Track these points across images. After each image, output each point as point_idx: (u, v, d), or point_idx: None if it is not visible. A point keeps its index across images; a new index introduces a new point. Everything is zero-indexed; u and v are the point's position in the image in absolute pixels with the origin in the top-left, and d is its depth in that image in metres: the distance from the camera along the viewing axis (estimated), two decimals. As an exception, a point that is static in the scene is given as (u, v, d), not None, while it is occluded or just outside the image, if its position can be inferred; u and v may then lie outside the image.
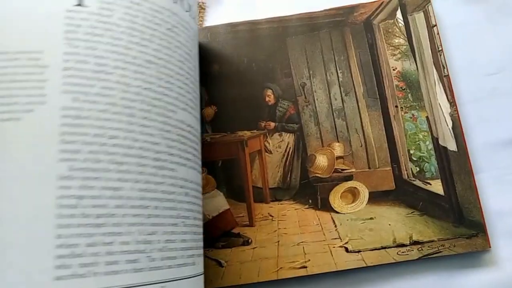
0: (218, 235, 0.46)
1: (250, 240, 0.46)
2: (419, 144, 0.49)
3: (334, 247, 0.45)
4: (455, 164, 0.47)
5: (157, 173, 0.33)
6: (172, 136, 0.35)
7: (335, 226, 0.46)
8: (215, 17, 0.54)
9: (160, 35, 0.35)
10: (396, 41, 0.51)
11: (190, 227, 0.36)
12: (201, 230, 0.39)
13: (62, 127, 0.29)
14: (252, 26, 0.51)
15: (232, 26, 0.51)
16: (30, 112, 0.29)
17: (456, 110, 0.49)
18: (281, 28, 0.52)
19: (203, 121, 0.49)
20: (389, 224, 0.46)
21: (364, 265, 0.44)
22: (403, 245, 0.45)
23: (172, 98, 0.36)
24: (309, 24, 0.52)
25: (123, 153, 0.31)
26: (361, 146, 0.49)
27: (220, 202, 0.47)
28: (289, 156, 0.50)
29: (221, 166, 0.48)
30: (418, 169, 0.48)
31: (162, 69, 0.35)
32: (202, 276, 0.38)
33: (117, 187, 0.31)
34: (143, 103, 0.33)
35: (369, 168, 0.49)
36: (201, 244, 0.39)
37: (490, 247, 0.45)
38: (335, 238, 0.46)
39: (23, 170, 0.28)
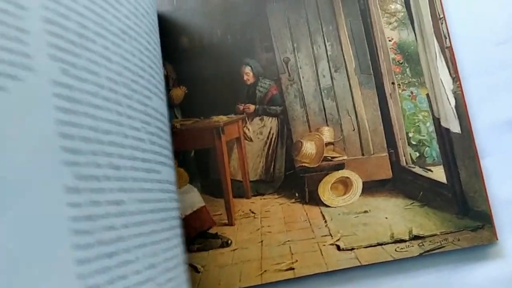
0: (193, 236, 0.44)
1: (229, 241, 0.44)
2: (418, 125, 0.47)
3: (324, 245, 0.44)
4: (458, 148, 0.46)
5: (147, 178, 0.29)
6: (152, 130, 0.31)
7: (325, 221, 0.45)
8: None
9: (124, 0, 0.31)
10: (392, 7, 0.49)
11: (177, 238, 0.33)
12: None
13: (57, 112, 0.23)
14: (226, -9, 0.49)
15: (203, -9, 0.49)
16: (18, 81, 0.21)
17: (460, 86, 0.47)
18: (260, -7, 0.49)
19: (171, 104, 0.46)
20: (386, 218, 0.45)
21: (358, 264, 0.43)
22: (402, 241, 0.44)
23: (145, 80, 0.31)
24: (292, -12, 0.50)
25: (118, 154, 0.26)
26: (354, 130, 0.48)
27: (194, 199, 0.45)
28: (272, 144, 0.48)
29: (194, 157, 0.47)
30: (417, 154, 0.47)
31: (134, 42, 0.31)
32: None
33: (119, 200, 0.26)
34: (125, 87, 0.28)
35: (363, 155, 0.48)
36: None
37: (497, 239, 0.44)
38: (326, 235, 0.44)
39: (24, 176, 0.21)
